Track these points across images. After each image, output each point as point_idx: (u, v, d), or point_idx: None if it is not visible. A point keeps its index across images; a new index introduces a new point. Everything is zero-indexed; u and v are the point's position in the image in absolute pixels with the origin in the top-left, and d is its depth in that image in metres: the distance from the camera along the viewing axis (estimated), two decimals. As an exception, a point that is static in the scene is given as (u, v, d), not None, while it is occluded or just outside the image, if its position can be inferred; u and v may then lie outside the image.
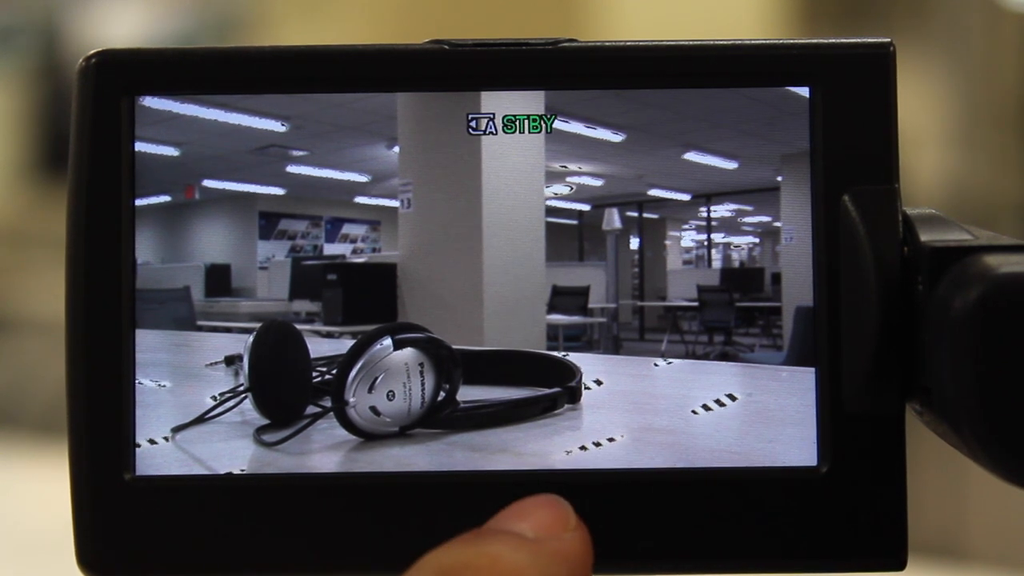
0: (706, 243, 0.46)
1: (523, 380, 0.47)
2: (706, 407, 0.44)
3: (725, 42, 0.43)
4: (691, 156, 0.44)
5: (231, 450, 0.43)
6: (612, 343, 0.45)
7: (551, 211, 0.44)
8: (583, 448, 0.43)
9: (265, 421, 0.45)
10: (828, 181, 0.42)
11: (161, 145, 0.43)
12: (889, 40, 0.42)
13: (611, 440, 0.43)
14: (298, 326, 0.45)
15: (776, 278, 0.44)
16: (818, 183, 0.42)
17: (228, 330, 0.45)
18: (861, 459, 0.41)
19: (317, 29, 2.43)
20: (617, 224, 0.46)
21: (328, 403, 0.46)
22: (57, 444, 0.45)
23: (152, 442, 0.42)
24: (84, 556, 0.42)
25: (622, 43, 0.43)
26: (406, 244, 0.45)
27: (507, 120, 0.43)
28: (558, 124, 0.43)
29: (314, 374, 0.46)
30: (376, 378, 0.46)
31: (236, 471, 0.42)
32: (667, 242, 0.46)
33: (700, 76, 0.43)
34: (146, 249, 0.43)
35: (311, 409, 0.45)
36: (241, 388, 0.44)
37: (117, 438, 0.42)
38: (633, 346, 0.46)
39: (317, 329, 0.46)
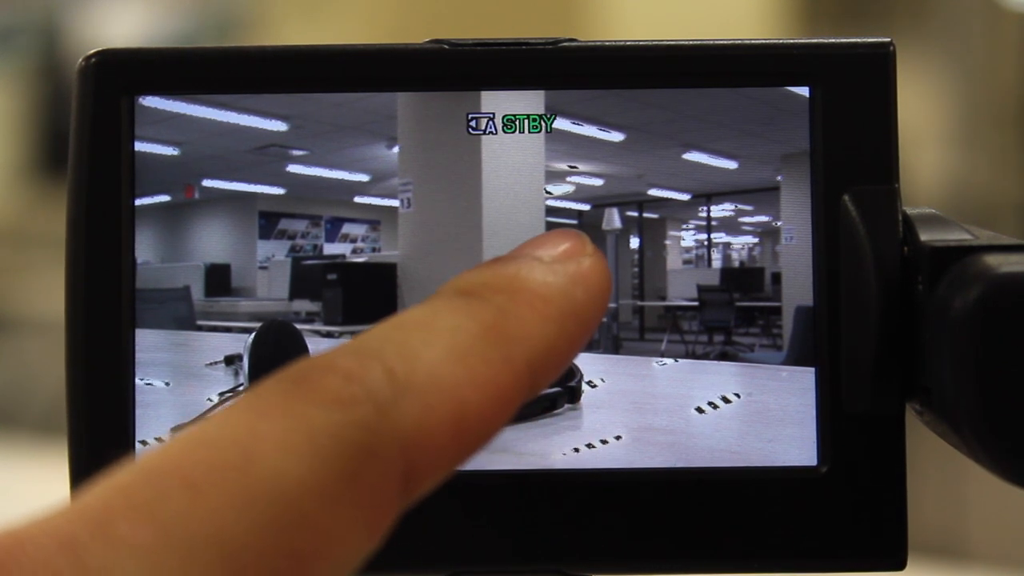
0: (706, 243, 0.46)
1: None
2: (707, 407, 0.44)
3: (725, 42, 0.43)
4: (691, 156, 0.44)
5: (231, 450, 0.43)
6: (612, 343, 0.45)
7: (551, 211, 0.44)
8: (583, 448, 0.43)
9: (265, 421, 0.44)
10: (828, 181, 0.42)
11: (161, 145, 0.43)
12: (889, 40, 0.42)
13: (611, 440, 0.43)
14: (298, 326, 0.45)
15: (776, 278, 0.44)
16: (818, 183, 0.42)
17: (228, 330, 0.45)
18: (861, 459, 0.41)
19: (317, 29, 2.43)
20: (617, 224, 0.46)
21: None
22: (57, 444, 0.45)
23: (152, 441, 0.42)
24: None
25: (622, 43, 0.43)
26: (406, 244, 0.45)
27: (507, 120, 0.43)
28: (558, 124, 0.43)
29: (314, 374, 0.46)
30: (376, 378, 0.46)
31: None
32: (667, 242, 0.46)
33: (700, 76, 0.43)
34: (146, 249, 0.43)
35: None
36: (241, 388, 0.44)
37: (117, 438, 0.42)
38: (633, 346, 0.46)
39: (317, 329, 0.46)
